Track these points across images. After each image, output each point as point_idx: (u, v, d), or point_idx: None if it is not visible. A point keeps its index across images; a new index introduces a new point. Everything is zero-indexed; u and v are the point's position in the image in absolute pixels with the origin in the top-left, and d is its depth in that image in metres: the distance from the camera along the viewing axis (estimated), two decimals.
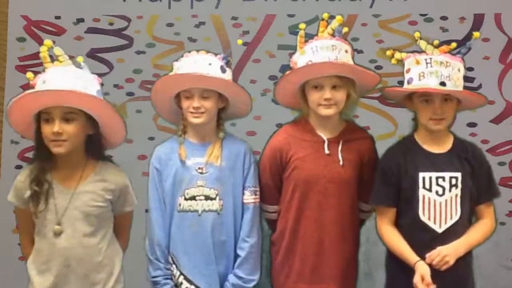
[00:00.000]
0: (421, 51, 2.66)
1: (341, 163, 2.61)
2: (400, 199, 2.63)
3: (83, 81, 2.50)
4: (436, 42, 2.66)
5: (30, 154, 3.86)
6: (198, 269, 2.70)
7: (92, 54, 3.94)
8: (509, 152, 3.85)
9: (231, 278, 2.71)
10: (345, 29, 2.70)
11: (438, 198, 2.58)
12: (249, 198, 2.75)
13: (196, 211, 2.69)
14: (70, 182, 2.52)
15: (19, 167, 3.91)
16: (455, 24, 3.88)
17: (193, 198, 2.70)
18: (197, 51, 2.83)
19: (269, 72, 3.90)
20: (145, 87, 3.92)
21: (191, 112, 2.69)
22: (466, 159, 2.64)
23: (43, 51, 2.57)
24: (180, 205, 2.72)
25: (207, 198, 2.69)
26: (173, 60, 3.90)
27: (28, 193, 2.49)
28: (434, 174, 2.59)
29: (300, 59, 2.60)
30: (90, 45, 3.95)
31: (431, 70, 2.56)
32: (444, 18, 3.89)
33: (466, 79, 3.81)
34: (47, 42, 2.58)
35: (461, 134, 3.80)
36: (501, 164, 3.84)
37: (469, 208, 2.63)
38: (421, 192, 2.58)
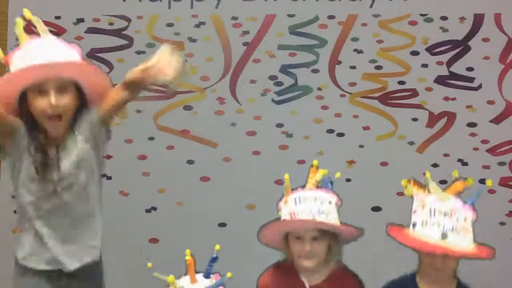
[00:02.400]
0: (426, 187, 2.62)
1: None
2: None
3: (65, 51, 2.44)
4: (455, 172, 2.62)
5: None
6: None
7: (92, 54, 3.94)
8: (509, 152, 3.85)
9: None
10: (338, 174, 2.69)
11: None
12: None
13: None
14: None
15: None
16: (455, 24, 3.88)
17: None
18: None
19: (269, 72, 3.91)
20: None
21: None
22: None
23: (18, 30, 2.53)
24: None
25: None
26: None
27: None
28: None
29: (283, 209, 2.64)
30: (90, 45, 3.95)
31: (433, 221, 2.51)
32: (444, 18, 3.89)
33: (466, 79, 3.89)
34: (19, 21, 2.54)
35: (461, 134, 3.85)
36: (501, 164, 3.84)
37: None
38: None
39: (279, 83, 3.92)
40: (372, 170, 3.82)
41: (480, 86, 3.88)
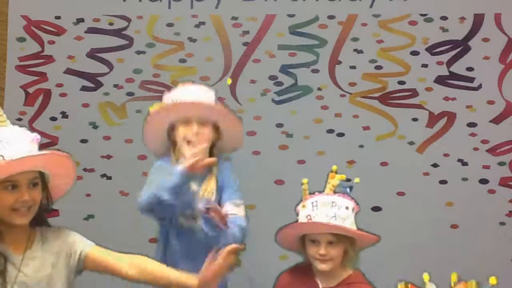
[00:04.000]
0: None
1: None
2: None
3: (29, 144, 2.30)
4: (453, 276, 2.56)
5: None
6: None
7: (92, 54, 3.94)
8: (509, 152, 3.85)
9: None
10: (357, 180, 2.72)
11: None
12: (233, 209, 2.77)
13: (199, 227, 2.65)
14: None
15: None
16: (455, 24, 3.88)
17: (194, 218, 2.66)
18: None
19: (269, 72, 3.90)
20: (145, 87, 3.92)
21: (190, 141, 2.65)
22: None
23: None
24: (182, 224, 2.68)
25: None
26: (173, 60, 3.94)
27: None
28: None
29: (301, 212, 2.70)
30: (90, 45, 3.95)
31: None
32: (444, 18, 3.89)
33: (466, 79, 3.89)
34: None
35: (461, 134, 3.85)
36: (501, 164, 3.84)
37: None
38: None
39: (279, 83, 3.92)
40: (372, 170, 3.82)
41: (480, 86, 3.88)
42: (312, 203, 2.65)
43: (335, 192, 2.68)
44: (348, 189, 2.69)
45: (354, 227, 2.64)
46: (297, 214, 2.72)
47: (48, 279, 2.31)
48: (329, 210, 2.62)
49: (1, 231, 2.26)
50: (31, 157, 2.22)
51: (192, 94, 2.75)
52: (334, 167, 2.71)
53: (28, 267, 2.28)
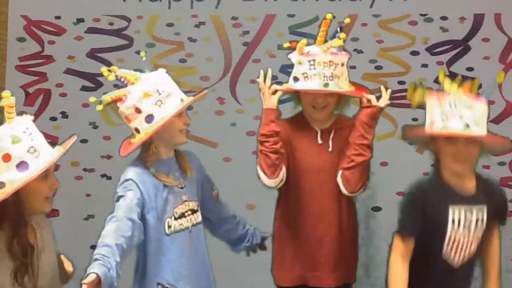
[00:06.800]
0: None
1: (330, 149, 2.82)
2: (422, 233, 2.58)
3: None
4: (459, 78, 2.66)
5: None
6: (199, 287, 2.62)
7: (92, 54, 3.95)
8: (509, 152, 3.84)
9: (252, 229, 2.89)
10: (347, 20, 2.75)
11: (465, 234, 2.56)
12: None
13: (187, 228, 2.60)
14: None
15: None
16: (455, 24, 3.89)
17: (182, 215, 2.61)
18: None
19: None
20: None
21: (182, 131, 2.64)
22: (492, 200, 2.62)
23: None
24: (170, 227, 2.56)
25: (193, 211, 2.63)
26: (173, 60, 3.94)
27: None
28: (463, 210, 2.57)
29: (296, 67, 2.78)
30: (90, 45, 3.95)
31: (454, 113, 2.55)
32: (444, 18, 3.89)
33: (466, 79, 3.88)
34: (6, 94, 2.41)
35: None
36: (501, 164, 3.84)
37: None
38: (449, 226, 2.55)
39: (279, 83, 3.90)
40: (372, 170, 3.82)
41: (480, 86, 3.87)
42: (309, 61, 2.72)
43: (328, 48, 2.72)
44: (339, 29, 2.72)
45: (347, 80, 2.77)
46: (289, 59, 2.80)
47: (55, 259, 2.40)
48: (327, 69, 2.71)
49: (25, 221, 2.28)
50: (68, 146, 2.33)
51: (175, 97, 2.71)
52: (329, 16, 2.75)
53: (45, 252, 2.34)
